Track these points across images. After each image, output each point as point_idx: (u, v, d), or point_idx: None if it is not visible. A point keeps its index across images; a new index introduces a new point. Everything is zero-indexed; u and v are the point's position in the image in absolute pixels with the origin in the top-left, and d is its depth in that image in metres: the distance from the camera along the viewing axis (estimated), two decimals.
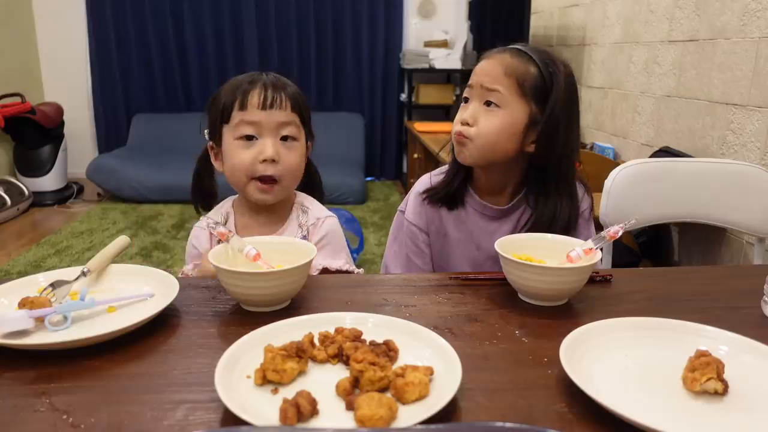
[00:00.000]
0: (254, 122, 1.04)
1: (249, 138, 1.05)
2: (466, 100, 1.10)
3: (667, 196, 1.56)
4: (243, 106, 1.04)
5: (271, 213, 1.14)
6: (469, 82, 1.09)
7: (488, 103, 1.05)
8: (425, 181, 1.20)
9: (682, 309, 0.83)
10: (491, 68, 1.05)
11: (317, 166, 1.23)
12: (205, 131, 1.14)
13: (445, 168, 1.20)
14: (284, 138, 1.07)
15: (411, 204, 1.19)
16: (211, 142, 1.12)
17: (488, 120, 1.05)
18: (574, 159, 1.11)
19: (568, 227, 1.09)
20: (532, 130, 1.05)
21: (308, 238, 1.12)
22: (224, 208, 1.17)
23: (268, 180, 1.06)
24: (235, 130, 1.05)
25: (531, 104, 1.05)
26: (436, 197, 1.16)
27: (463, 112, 1.08)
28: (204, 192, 1.19)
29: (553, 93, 1.04)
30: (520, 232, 1.13)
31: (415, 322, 0.73)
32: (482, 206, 1.15)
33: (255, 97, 1.04)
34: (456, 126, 1.09)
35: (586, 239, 1.09)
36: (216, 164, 1.13)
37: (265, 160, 1.04)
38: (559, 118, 1.04)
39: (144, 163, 4.41)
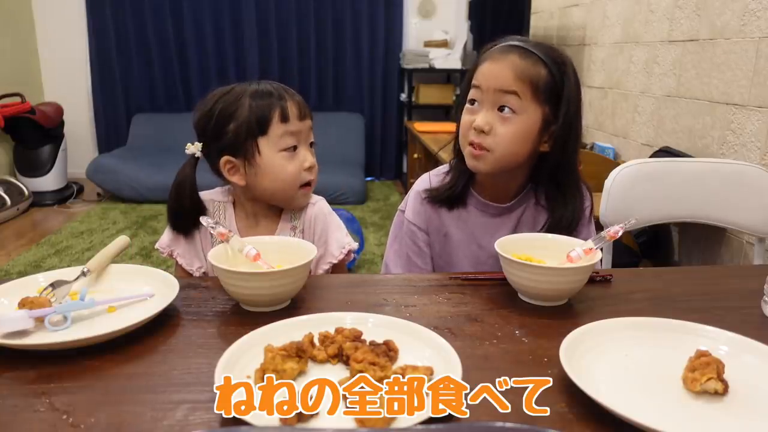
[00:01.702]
0: (295, 132, 1.07)
1: (294, 149, 1.08)
2: (473, 102, 1.06)
3: (667, 196, 1.56)
4: (285, 118, 1.06)
5: (270, 217, 1.15)
6: (476, 83, 1.05)
7: (501, 109, 1.02)
8: (425, 180, 1.19)
9: (682, 309, 0.83)
10: (502, 72, 1.01)
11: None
12: (198, 145, 1.09)
13: (444, 167, 1.19)
14: (310, 144, 1.12)
15: (411, 203, 1.18)
16: (227, 157, 1.08)
17: (505, 129, 1.02)
18: (579, 146, 1.11)
19: (576, 227, 1.10)
20: (546, 132, 1.04)
21: (306, 230, 1.15)
22: (222, 199, 1.15)
23: (309, 184, 1.12)
24: (279, 142, 1.06)
25: (544, 107, 1.03)
26: (438, 199, 1.14)
27: (472, 116, 1.05)
28: (189, 213, 1.10)
29: (565, 93, 1.02)
30: (522, 228, 1.13)
31: (415, 322, 0.73)
32: (484, 204, 1.14)
33: (294, 108, 1.07)
34: (469, 133, 1.05)
35: (586, 239, 1.09)
36: (234, 178, 1.09)
37: (309, 168, 1.10)
38: (572, 116, 1.03)
39: (144, 163, 4.41)
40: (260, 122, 1.05)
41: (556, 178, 1.09)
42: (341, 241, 1.15)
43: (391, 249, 1.21)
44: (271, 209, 1.15)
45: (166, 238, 1.15)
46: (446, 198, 1.14)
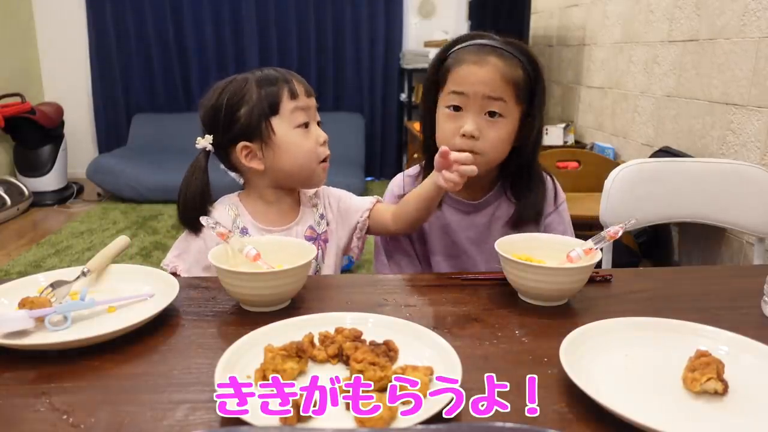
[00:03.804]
0: (305, 108, 1.08)
1: (306, 125, 1.08)
2: (457, 108, 1.05)
3: (667, 196, 1.56)
4: (294, 95, 1.06)
5: (289, 201, 1.15)
6: (459, 89, 1.03)
7: (490, 114, 1.03)
8: (399, 182, 1.21)
9: (682, 309, 0.83)
10: (489, 77, 1.02)
11: None
12: (209, 138, 1.08)
13: (417, 167, 1.20)
14: (318, 123, 1.13)
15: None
16: (243, 143, 1.07)
17: (495, 132, 1.03)
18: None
19: (543, 211, 1.14)
20: (522, 128, 1.07)
21: (326, 215, 1.17)
22: (231, 202, 1.14)
23: (326, 159, 1.12)
24: (291, 119, 1.07)
25: (522, 105, 1.05)
26: None
27: (457, 123, 1.04)
28: (199, 208, 1.09)
29: (537, 92, 1.05)
30: (496, 224, 1.15)
31: (415, 322, 0.73)
32: (456, 201, 1.15)
33: (300, 86, 1.08)
34: (455, 140, 1.03)
35: (562, 233, 1.11)
36: (253, 163, 1.08)
37: (324, 143, 1.11)
38: (540, 111, 1.06)
39: (144, 163, 4.41)
40: (271, 102, 1.06)
41: (522, 169, 1.12)
42: (363, 198, 1.19)
43: (378, 253, 1.22)
44: (286, 194, 1.14)
45: (171, 255, 1.12)
46: None
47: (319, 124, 1.13)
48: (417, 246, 1.19)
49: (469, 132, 1.03)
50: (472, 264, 1.16)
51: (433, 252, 1.17)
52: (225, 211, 1.12)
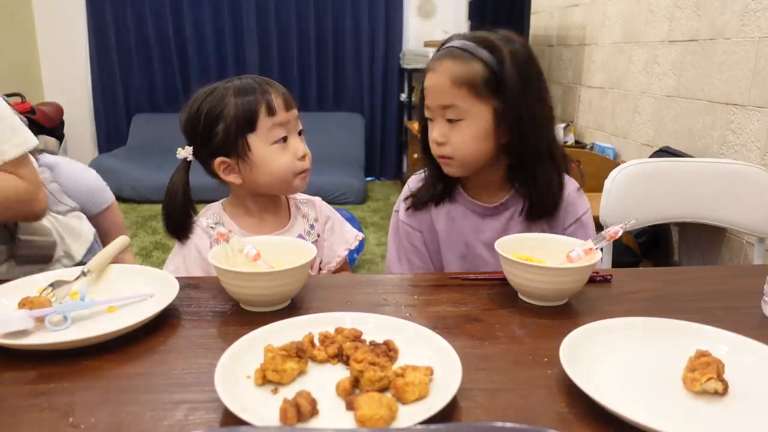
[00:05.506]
0: (283, 123, 1.07)
1: (285, 140, 1.08)
2: (429, 119, 1.08)
3: (667, 196, 1.56)
4: (271, 111, 1.05)
5: (275, 210, 1.16)
6: (426, 102, 1.07)
7: (450, 120, 1.04)
8: (414, 180, 1.21)
9: (682, 309, 0.83)
10: (439, 84, 1.03)
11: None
12: (189, 149, 1.08)
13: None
14: (299, 132, 1.13)
15: (403, 204, 1.20)
16: (221, 158, 1.07)
17: (458, 135, 1.04)
18: (551, 126, 1.10)
19: (554, 213, 1.11)
20: (503, 123, 1.03)
21: (316, 226, 1.20)
22: (211, 211, 1.15)
23: (305, 171, 1.13)
24: (268, 136, 1.06)
25: (491, 100, 1.01)
26: (421, 202, 1.16)
27: (432, 131, 1.07)
28: (181, 216, 1.10)
29: (504, 82, 1.00)
30: (511, 231, 1.12)
31: (415, 322, 0.73)
32: (471, 204, 1.14)
33: (279, 100, 1.07)
34: (432, 147, 1.08)
35: (578, 226, 1.10)
36: (230, 177, 1.09)
37: (302, 156, 1.11)
38: (519, 101, 1.01)
39: (144, 163, 4.41)
40: (247, 119, 1.05)
41: (526, 166, 1.08)
42: (351, 231, 1.24)
43: (391, 251, 1.22)
44: (269, 201, 1.16)
45: (171, 267, 1.11)
46: (428, 200, 1.15)
47: (300, 132, 1.12)
48: (430, 246, 1.18)
49: (433, 139, 1.06)
50: (485, 267, 1.14)
51: (446, 253, 1.17)
52: (212, 217, 1.13)
